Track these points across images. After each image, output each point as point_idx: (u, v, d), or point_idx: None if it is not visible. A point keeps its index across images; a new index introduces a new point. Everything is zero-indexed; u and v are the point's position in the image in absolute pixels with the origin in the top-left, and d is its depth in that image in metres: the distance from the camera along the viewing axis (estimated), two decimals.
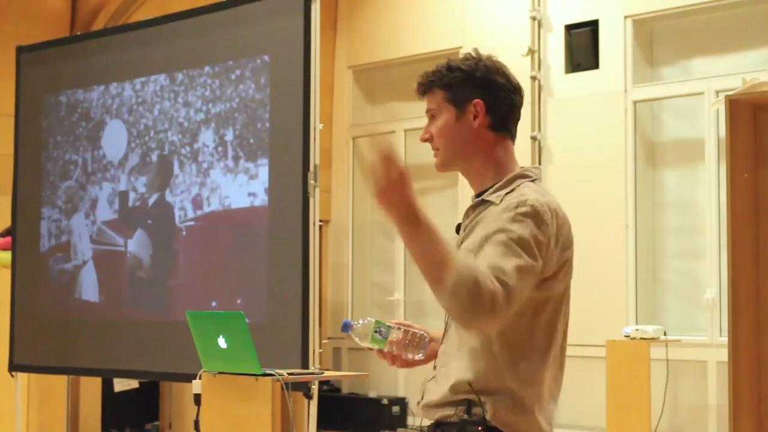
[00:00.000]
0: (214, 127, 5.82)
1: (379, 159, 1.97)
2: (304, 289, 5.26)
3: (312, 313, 5.24)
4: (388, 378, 8.17)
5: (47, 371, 6.65)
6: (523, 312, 2.18)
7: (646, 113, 7.38)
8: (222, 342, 3.92)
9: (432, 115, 2.37)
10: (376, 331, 2.35)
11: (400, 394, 8.29)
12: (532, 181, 2.31)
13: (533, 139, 7.51)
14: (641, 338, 6.15)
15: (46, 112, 6.65)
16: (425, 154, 2.43)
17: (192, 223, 5.89)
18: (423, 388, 2.36)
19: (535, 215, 2.16)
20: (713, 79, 6.95)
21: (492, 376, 2.21)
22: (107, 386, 7.43)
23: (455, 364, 2.26)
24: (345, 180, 8.87)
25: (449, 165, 2.37)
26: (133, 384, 7.48)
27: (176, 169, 5.98)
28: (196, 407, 4.09)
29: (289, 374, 3.96)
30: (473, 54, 2.36)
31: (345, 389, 8.59)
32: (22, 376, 6.60)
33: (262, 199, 5.59)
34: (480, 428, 2.20)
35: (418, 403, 2.36)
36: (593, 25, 7.41)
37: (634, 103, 7.26)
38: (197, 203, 5.87)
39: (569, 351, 2.33)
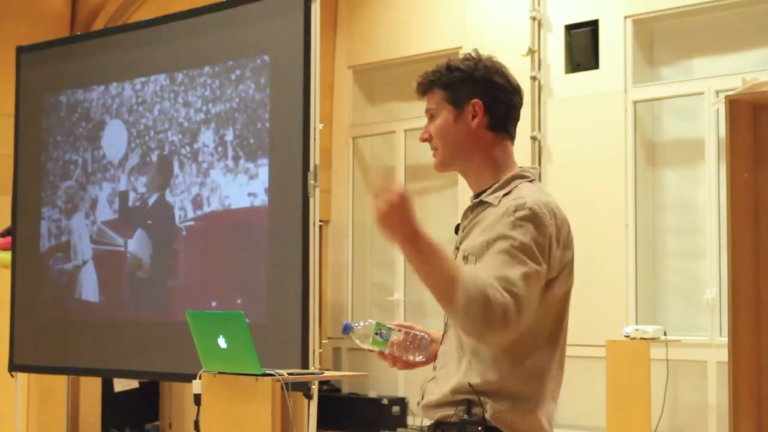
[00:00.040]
0: (214, 127, 5.82)
1: (380, 186, 1.99)
2: (304, 289, 5.26)
3: (312, 313, 5.23)
4: (388, 378, 8.17)
5: (47, 371, 6.65)
6: None
7: (646, 113, 7.38)
8: (222, 342, 3.92)
9: (431, 115, 2.37)
10: (377, 333, 2.35)
11: (400, 394, 8.29)
12: (530, 181, 2.31)
13: (533, 139, 7.51)
14: (641, 338, 6.15)
15: (46, 112, 6.65)
16: (425, 154, 2.43)
17: (192, 223, 5.89)
18: (423, 388, 2.36)
19: (533, 218, 2.17)
20: (713, 79, 6.95)
21: (492, 376, 2.21)
22: (107, 386, 7.43)
23: (455, 365, 2.26)
24: (345, 180, 8.87)
25: (448, 165, 2.37)
26: (133, 384, 7.48)
27: (176, 169, 5.98)
28: (196, 407, 4.09)
29: (289, 374, 3.96)
30: (473, 54, 2.37)
31: (345, 389, 8.59)
32: (22, 376, 6.60)
33: (262, 199, 5.59)
34: (480, 428, 2.20)
35: (418, 403, 2.37)
36: (593, 25, 7.41)
37: (634, 103, 7.26)
38: (197, 203, 5.87)
39: (569, 351, 2.33)
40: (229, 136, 5.74)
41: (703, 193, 6.97)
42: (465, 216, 2.35)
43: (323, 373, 4.85)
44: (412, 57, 8.29)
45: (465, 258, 2.24)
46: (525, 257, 2.11)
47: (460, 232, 2.36)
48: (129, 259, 6.16)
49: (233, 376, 3.97)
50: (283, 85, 5.53)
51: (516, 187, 2.28)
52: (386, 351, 2.36)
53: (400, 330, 2.36)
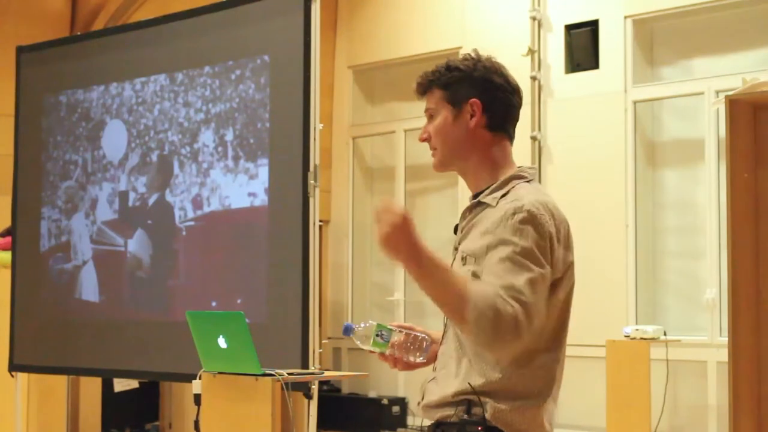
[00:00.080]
0: (214, 127, 5.82)
1: (381, 209, 2.01)
2: (304, 289, 5.26)
3: (312, 313, 5.23)
4: (388, 378, 8.17)
5: (47, 371, 6.65)
6: None
7: (646, 113, 7.38)
8: (222, 342, 3.92)
9: (430, 115, 2.37)
10: (377, 335, 2.35)
11: (400, 394, 8.29)
12: (528, 181, 2.31)
13: (533, 139, 7.51)
14: (641, 338, 6.15)
15: (46, 112, 6.65)
16: (425, 154, 2.43)
17: (192, 223, 5.89)
18: (423, 388, 2.36)
19: (532, 220, 2.17)
20: (713, 79, 6.95)
21: (495, 375, 2.21)
22: (107, 386, 7.43)
23: (455, 366, 2.26)
24: (345, 180, 8.86)
25: (446, 164, 2.38)
26: (133, 384, 7.48)
27: (176, 169, 5.98)
28: (196, 407, 4.09)
29: (289, 374, 3.95)
30: (473, 54, 2.37)
31: (345, 389, 8.59)
32: (22, 376, 6.60)
33: (262, 199, 5.59)
34: (480, 428, 2.20)
35: (419, 403, 2.37)
36: (593, 25, 7.41)
37: (634, 103, 7.26)
38: (197, 203, 5.87)
39: (569, 351, 2.34)
40: (229, 136, 5.74)
41: (703, 193, 6.97)
42: (463, 216, 2.35)
43: (323, 373, 4.85)
44: (412, 57, 8.28)
45: (464, 259, 2.25)
46: (529, 262, 2.11)
47: (458, 232, 2.36)
48: (129, 259, 6.16)
49: (233, 376, 3.97)
50: (283, 85, 5.53)
51: (513, 187, 2.28)
52: (387, 352, 2.36)
53: (400, 331, 2.36)
